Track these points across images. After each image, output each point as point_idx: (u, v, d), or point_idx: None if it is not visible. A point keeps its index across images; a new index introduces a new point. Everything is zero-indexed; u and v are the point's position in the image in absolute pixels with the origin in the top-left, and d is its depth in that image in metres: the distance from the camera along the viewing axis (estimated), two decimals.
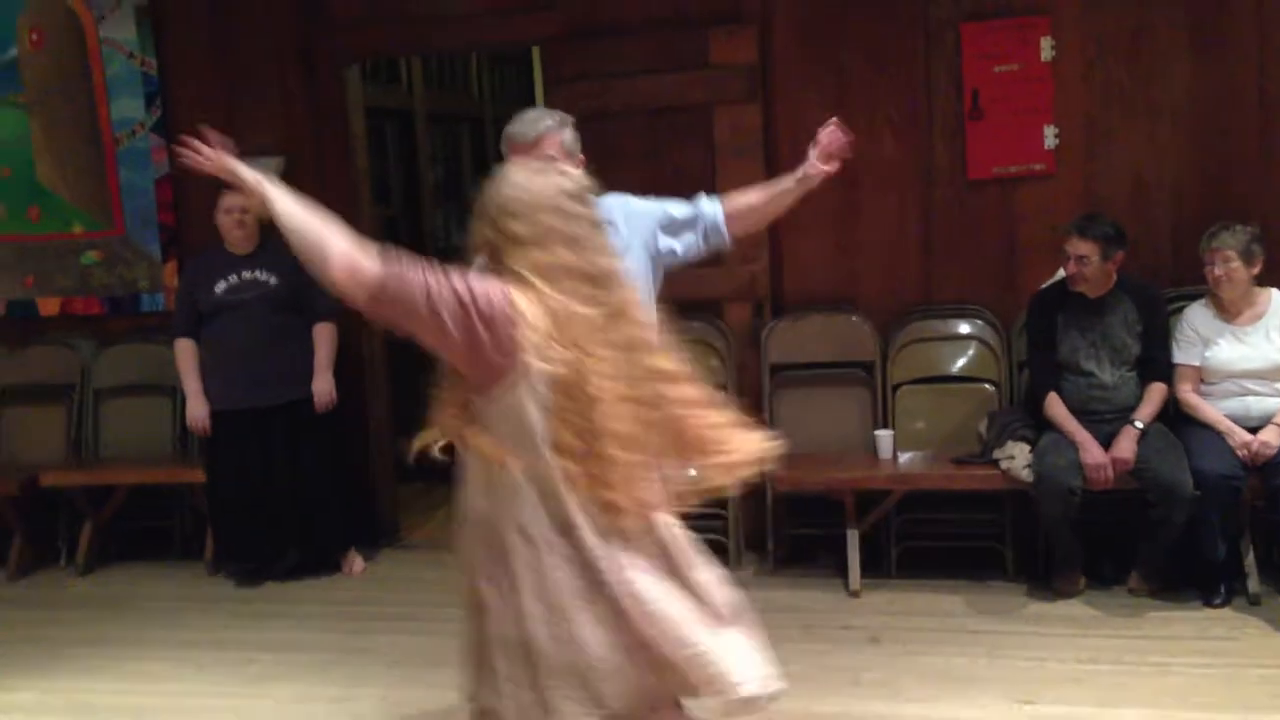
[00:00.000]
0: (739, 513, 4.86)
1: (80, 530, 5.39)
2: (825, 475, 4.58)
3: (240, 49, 5.49)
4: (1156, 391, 4.27)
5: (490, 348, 1.97)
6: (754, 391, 4.95)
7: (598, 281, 2.06)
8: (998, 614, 4.22)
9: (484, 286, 2.00)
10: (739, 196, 3.04)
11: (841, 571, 4.52)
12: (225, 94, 5.52)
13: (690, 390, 2.14)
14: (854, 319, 4.92)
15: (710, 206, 3.01)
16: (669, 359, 2.12)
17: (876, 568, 4.60)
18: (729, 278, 4.93)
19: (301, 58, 5.45)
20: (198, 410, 5.00)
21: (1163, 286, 4.48)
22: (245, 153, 5.41)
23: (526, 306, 1.99)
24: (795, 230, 4.98)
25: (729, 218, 3.00)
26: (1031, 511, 4.28)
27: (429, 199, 7.24)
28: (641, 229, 2.94)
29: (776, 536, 4.83)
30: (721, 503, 4.84)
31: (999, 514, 4.56)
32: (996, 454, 4.33)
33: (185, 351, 5.05)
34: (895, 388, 4.84)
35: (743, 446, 2.17)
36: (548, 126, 2.87)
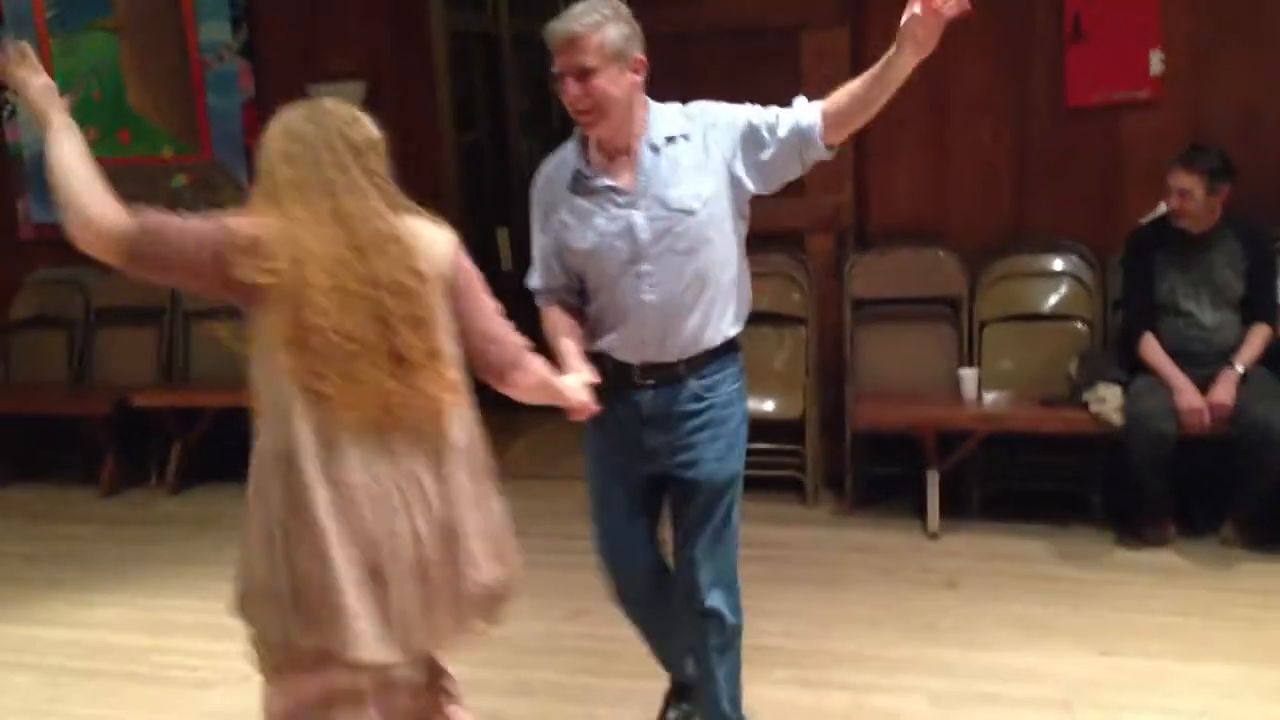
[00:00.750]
0: (816, 450, 4.78)
1: (170, 451, 5.53)
2: (906, 413, 4.47)
3: None
4: (1259, 334, 4.06)
5: (239, 276, 2.07)
6: (835, 326, 4.85)
7: (329, 192, 2.13)
8: (1082, 561, 4.09)
9: (219, 221, 2.10)
10: (840, 95, 2.59)
11: (920, 513, 4.42)
12: (308, 17, 5.51)
13: (421, 312, 2.17)
14: (941, 253, 4.75)
15: (807, 115, 2.59)
16: (413, 277, 2.16)
17: (957, 510, 4.48)
18: (811, 208, 4.79)
19: None
20: None
21: (1274, 222, 4.23)
22: (327, 77, 5.42)
23: (253, 228, 2.09)
24: (881, 159, 4.82)
25: (828, 125, 2.57)
26: (1121, 456, 4.11)
27: (515, 126, 7.17)
28: (722, 145, 2.61)
29: (855, 476, 4.74)
30: (799, 440, 4.77)
31: (1087, 457, 4.40)
32: (1086, 396, 4.17)
33: None
34: (982, 325, 4.68)
35: (452, 375, 2.22)
36: (585, 25, 2.48)
